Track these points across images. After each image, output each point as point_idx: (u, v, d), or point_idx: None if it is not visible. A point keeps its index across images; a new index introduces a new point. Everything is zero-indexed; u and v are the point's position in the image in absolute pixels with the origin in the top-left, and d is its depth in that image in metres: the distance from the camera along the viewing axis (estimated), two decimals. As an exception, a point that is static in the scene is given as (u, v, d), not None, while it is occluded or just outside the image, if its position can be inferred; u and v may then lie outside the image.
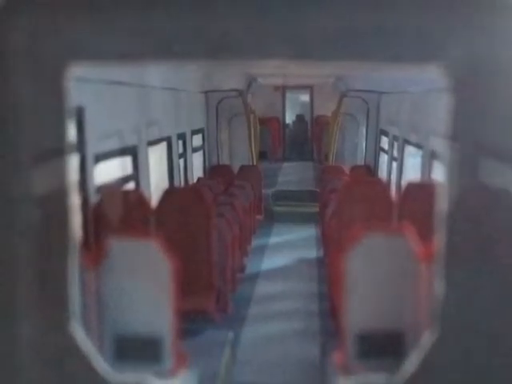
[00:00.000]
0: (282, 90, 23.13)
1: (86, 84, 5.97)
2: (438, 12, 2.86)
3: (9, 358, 3.39)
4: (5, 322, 3.34)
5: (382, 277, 5.21)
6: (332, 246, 8.97)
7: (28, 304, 3.25)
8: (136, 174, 8.87)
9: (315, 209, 15.31)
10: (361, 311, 5.25)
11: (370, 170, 14.43)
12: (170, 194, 8.15)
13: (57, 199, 3.03)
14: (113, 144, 7.93)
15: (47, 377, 3.40)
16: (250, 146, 15.53)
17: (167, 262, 5.05)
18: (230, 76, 14.60)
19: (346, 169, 13.93)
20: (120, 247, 5.14)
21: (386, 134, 13.88)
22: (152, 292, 5.12)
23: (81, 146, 6.43)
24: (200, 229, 7.78)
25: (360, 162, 16.02)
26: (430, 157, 8.83)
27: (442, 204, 3.22)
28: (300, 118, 24.99)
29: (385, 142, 14.17)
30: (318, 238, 13.70)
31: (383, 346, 5.27)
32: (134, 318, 5.19)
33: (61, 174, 3.02)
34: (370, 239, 5.23)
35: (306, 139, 24.56)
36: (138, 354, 5.20)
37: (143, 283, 5.12)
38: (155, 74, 9.51)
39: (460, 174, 3.23)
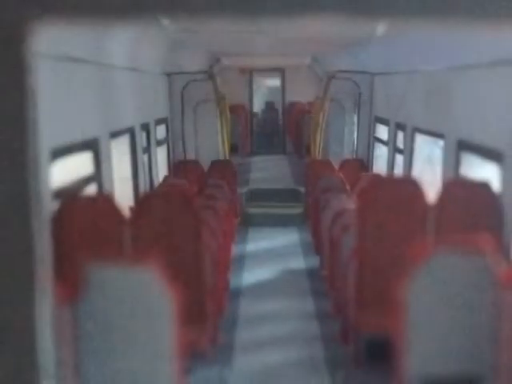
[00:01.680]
0: (249, 73, 22.40)
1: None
2: None
3: None
4: None
5: (455, 307, 4.54)
6: (336, 255, 8.21)
7: None
8: (98, 174, 7.84)
9: (297, 210, 14.78)
10: (426, 352, 4.60)
11: (364, 164, 13.68)
12: (148, 199, 7.14)
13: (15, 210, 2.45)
14: (72, 136, 7.07)
15: None
16: (222, 137, 14.88)
17: (168, 293, 4.27)
18: (191, 55, 14.05)
19: (336, 163, 13.12)
20: (103, 275, 4.30)
21: (383, 121, 13.00)
22: (148, 335, 4.33)
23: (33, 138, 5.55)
24: (187, 244, 6.79)
25: (348, 154, 15.19)
26: (456, 148, 8.03)
27: None
28: (270, 106, 24.18)
29: (381, 132, 13.40)
30: (303, 244, 12.95)
31: None
32: (124, 371, 4.38)
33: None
34: (440, 259, 4.52)
35: (277, 130, 23.69)
36: None
37: (135, 323, 4.32)
38: (115, 49, 8.65)
39: None
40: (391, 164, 11.87)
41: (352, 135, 15.54)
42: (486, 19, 2.29)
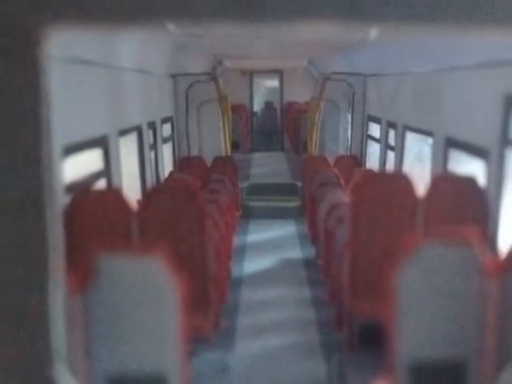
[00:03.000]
0: (250, 74, 22.33)
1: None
2: None
3: None
4: None
5: (443, 295, 4.52)
6: (331, 246, 8.24)
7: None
8: (107, 170, 7.83)
9: (294, 203, 14.76)
10: (416, 337, 4.59)
11: (358, 160, 13.64)
12: (155, 193, 7.12)
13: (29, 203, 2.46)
14: (83, 134, 7.05)
15: None
16: (224, 135, 14.85)
17: (173, 282, 4.29)
18: (194, 58, 13.99)
19: (331, 159, 13.07)
20: (112, 265, 4.31)
21: (375, 120, 12.98)
22: (155, 321, 4.35)
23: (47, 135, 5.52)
24: (192, 235, 6.79)
25: (343, 151, 15.20)
26: (445, 145, 8.03)
27: None
28: (269, 106, 24.14)
29: (374, 130, 13.37)
30: (300, 235, 12.95)
31: (441, 380, 4.63)
32: (132, 354, 4.39)
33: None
34: (429, 249, 4.48)
35: (276, 128, 23.65)
36: None
37: (143, 310, 4.33)
38: (124, 52, 8.63)
39: None
40: (383, 160, 11.85)
41: (346, 133, 15.53)
42: (471, 25, 2.29)
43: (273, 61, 17.09)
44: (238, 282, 9.87)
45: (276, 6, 2.16)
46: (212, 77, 14.21)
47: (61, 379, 2.67)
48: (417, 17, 2.21)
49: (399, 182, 6.91)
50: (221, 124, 14.79)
